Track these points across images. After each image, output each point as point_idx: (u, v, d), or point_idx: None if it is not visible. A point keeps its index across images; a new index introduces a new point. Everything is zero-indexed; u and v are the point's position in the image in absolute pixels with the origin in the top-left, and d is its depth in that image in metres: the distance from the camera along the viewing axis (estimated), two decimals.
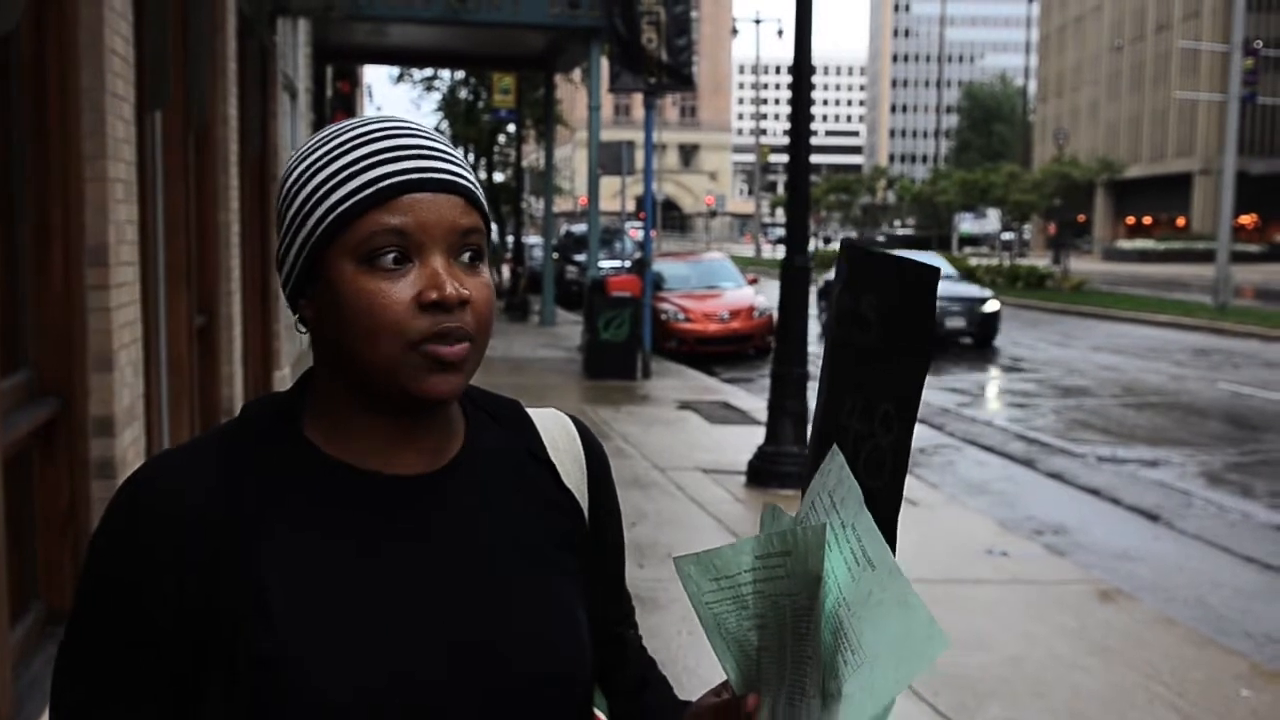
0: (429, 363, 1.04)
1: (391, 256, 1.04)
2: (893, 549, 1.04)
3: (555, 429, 1.25)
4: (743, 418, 11.51)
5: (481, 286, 1.07)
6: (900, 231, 78.38)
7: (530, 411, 1.25)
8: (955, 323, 19.53)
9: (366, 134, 1.07)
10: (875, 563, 1.01)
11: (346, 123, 1.11)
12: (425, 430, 1.11)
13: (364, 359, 1.05)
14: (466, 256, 1.07)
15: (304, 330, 1.11)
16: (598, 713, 1.22)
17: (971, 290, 20.55)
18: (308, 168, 1.08)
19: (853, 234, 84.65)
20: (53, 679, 1.07)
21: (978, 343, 19.84)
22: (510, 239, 26.87)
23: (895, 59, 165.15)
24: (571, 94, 33.15)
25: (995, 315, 19.94)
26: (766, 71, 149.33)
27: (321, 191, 1.06)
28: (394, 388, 1.05)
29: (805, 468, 1.13)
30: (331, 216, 1.05)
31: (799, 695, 1.05)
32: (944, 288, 18.80)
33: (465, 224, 1.06)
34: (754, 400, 12.55)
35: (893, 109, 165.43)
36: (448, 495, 1.12)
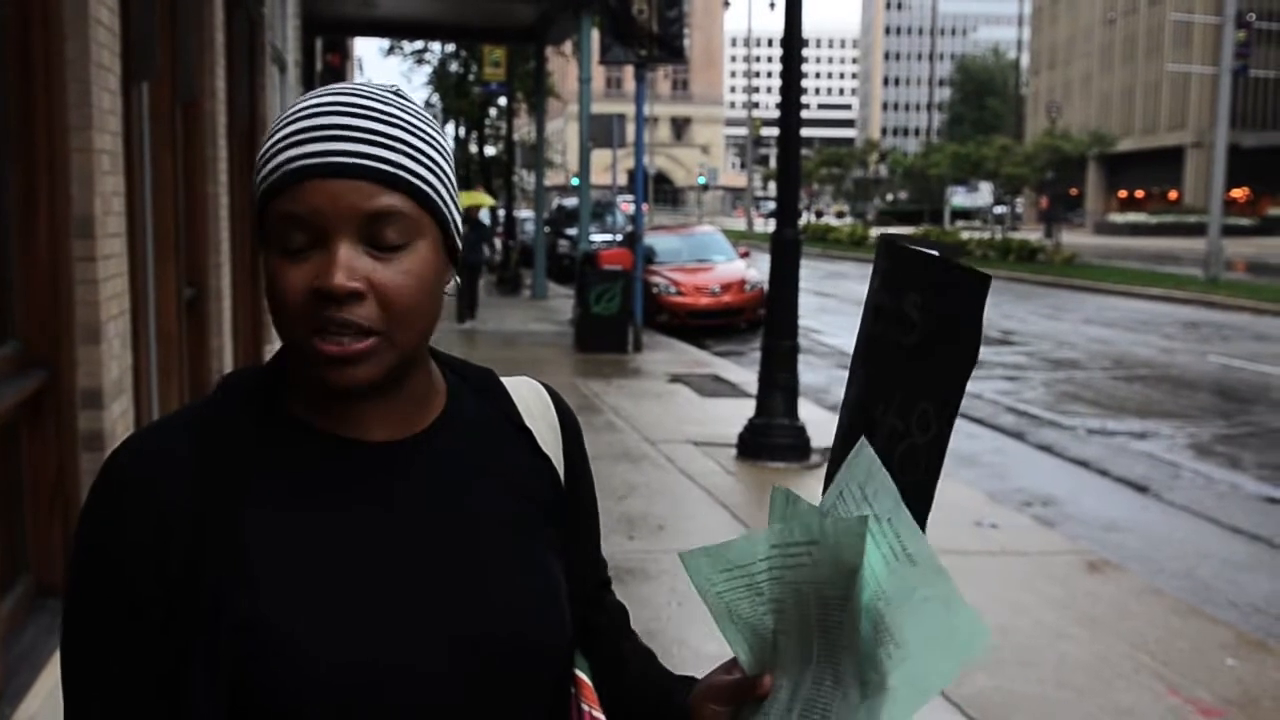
0: (320, 358, 1.03)
1: (296, 243, 1.02)
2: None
3: (530, 395, 1.25)
4: (733, 390, 11.52)
5: (399, 275, 1.02)
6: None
7: (504, 380, 1.26)
8: None
9: (298, 111, 1.05)
10: (916, 559, 1.02)
11: (311, 92, 1.09)
12: (393, 398, 1.11)
13: (285, 341, 1.06)
14: (387, 243, 1.02)
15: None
16: (579, 674, 1.23)
17: None
18: (263, 141, 1.08)
19: (844, 207, 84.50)
20: (60, 653, 1.09)
21: None
22: (501, 213, 26.70)
23: (888, 31, 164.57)
24: (563, 67, 33.02)
25: None
26: (759, 44, 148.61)
27: (257, 172, 1.06)
28: (309, 371, 1.06)
29: (830, 458, 1.13)
30: (255, 201, 1.06)
31: (831, 681, 1.06)
32: None
33: (373, 207, 1.01)
34: (744, 373, 12.56)
35: (885, 82, 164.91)
36: (426, 461, 1.12)
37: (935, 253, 1.06)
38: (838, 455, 1.12)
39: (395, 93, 1.10)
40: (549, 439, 1.23)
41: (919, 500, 1.05)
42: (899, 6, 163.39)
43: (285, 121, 1.05)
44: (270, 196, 1.03)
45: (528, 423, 1.22)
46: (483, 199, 20.56)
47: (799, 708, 1.08)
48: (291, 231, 1.02)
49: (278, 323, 1.05)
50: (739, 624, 1.14)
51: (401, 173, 1.03)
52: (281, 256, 1.03)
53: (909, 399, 1.07)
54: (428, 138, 1.07)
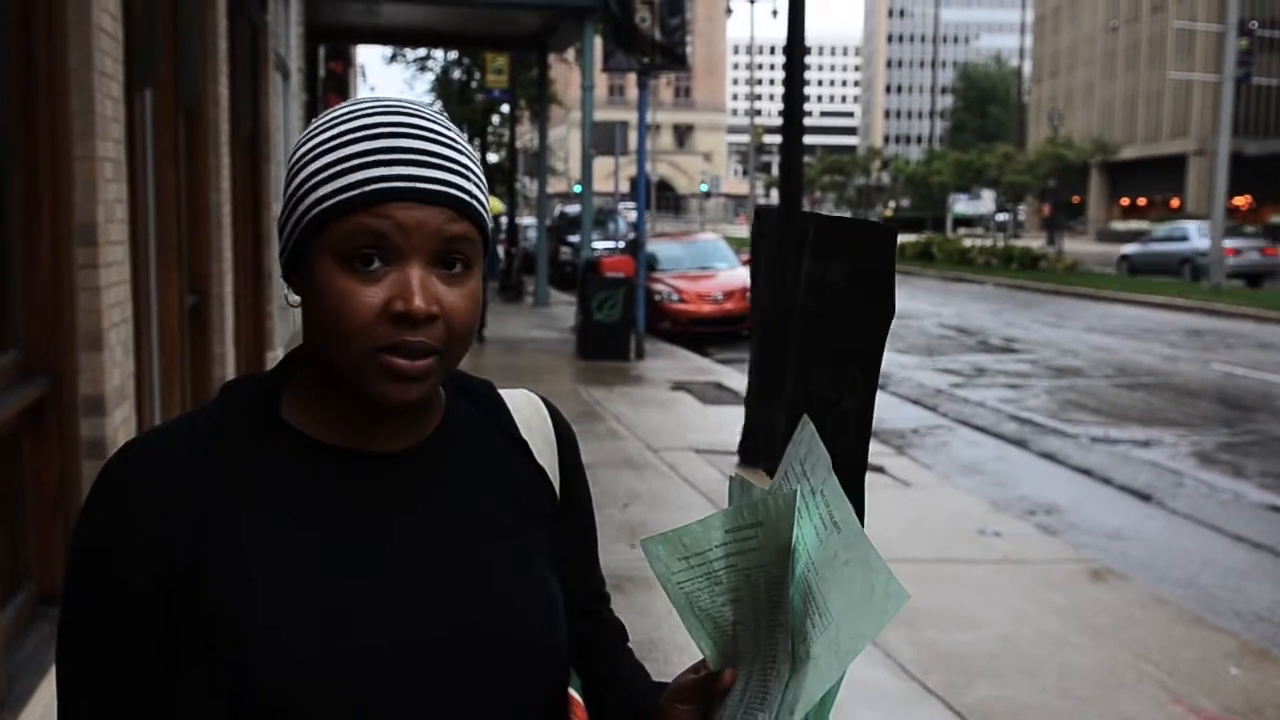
0: (387, 373, 1.03)
1: (369, 259, 1.03)
2: (861, 510, 1.05)
3: (527, 408, 1.26)
4: (735, 398, 11.50)
5: (463, 299, 1.05)
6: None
7: (502, 392, 1.26)
8: None
9: (369, 129, 1.05)
10: (841, 525, 1.02)
11: (361, 105, 1.09)
12: (405, 412, 1.11)
13: (332, 353, 1.05)
14: (452, 266, 1.05)
15: (293, 304, 1.11)
16: (571, 692, 1.23)
17: None
18: (311, 149, 1.07)
19: (845, 214, 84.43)
20: (56, 654, 1.09)
21: None
22: (504, 220, 26.69)
23: (890, 39, 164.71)
24: (566, 74, 33.05)
25: None
26: (761, 52, 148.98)
27: (315, 180, 1.05)
28: (356, 386, 1.05)
29: (782, 440, 1.13)
30: (318, 210, 1.04)
31: (771, 664, 1.06)
32: None
33: (451, 232, 1.04)
34: (746, 381, 12.55)
35: (887, 90, 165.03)
36: (425, 470, 1.13)
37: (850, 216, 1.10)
38: (787, 436, 1.13)
39: (443, 113, 1.13)
40: (545, 451, 1.24)
41: (853, 466, 1.06)
42: (901, 14, 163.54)
43: (356, 136, 1.05)
44: (343, 211, 1.03)
45: (524, 435, 1.23)
46: (493, 205, 19.89)
47: (749, 699, 1.08)
48: (364, 246, 1.03)
49: (334, 336, 1.04)
50: (701, 616, 1.15)
51: (474, 202, 1.07)
52: (346, 271, 1.03)
53: (838, 365, 1.09)
54: (478, 165, 1.11)
